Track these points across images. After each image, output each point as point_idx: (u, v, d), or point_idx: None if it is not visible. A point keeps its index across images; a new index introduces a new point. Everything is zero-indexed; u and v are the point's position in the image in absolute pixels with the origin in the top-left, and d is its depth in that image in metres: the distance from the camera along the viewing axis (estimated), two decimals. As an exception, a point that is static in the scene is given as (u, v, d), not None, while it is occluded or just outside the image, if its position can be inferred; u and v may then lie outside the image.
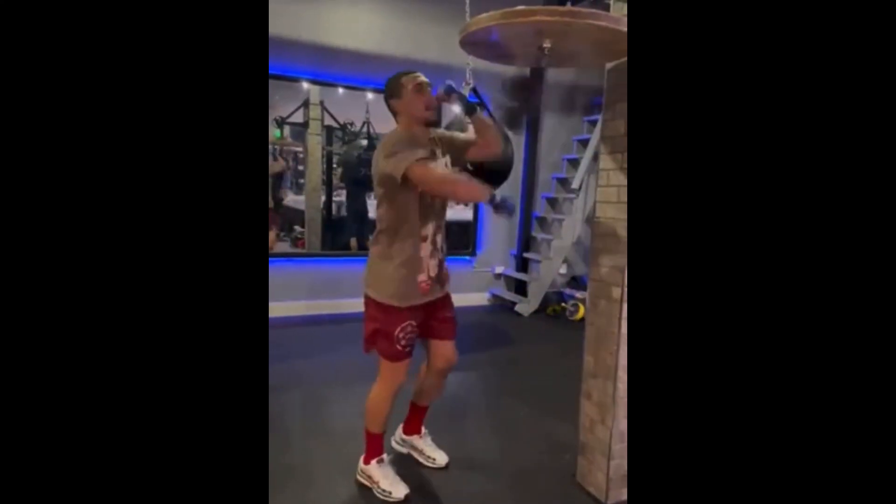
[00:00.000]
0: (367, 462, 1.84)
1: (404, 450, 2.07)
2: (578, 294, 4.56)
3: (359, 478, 1.87)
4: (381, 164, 1.58)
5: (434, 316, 1.79)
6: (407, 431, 2.07)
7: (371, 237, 1.75)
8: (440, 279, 1.77)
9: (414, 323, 1.71)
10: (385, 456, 1.85)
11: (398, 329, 1.67)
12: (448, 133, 1.83)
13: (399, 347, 1.69)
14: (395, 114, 1.73)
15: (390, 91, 1.71)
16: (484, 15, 1.33)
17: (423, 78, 1.68)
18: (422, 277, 1.70)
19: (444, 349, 1.84)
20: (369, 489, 1.82)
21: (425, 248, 1.70)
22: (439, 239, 1.75)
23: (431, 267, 1.72)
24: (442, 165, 1.72)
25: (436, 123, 1.70)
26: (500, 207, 1.53)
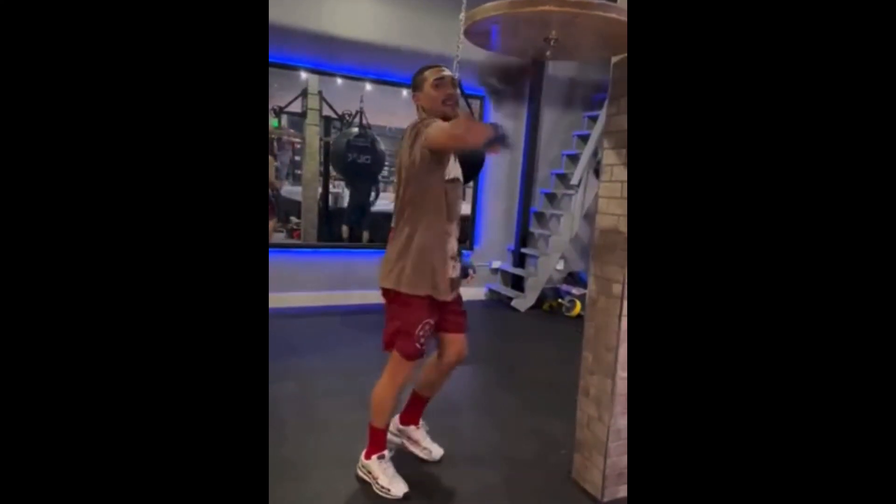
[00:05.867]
0: (368, 457, 1.82)
1: (398, 440, 2.02)
2: (575, 290, 4.55)
3: (359, 472, 1.85)
4: (410, 150, 1.59)
5: (447, 310, 1.79)
6: (405, 421, 2.03)
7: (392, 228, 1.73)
8: (455, 284, 1.78)
9: (432, 322, 1.71)
10: (387, 452, 1.83)
11: (419, 328, 1.67)
12: None
13: (418, 346, 1.69)
14: (418, 108, 1.73)
15: (413, 84, 1.73)
16: (490, 4, 1.31)
17: (445, 72, 1.67)
18: (447, 275, 1.70)
19: (457, 343, 1.86)
20: (368, 484, 1.81)
21: (451, 243, 1.71)
22: (456, 244, 1.76)
23: (452, 268, 1.73)
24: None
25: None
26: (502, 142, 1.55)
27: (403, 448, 2.02)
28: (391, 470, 1.80)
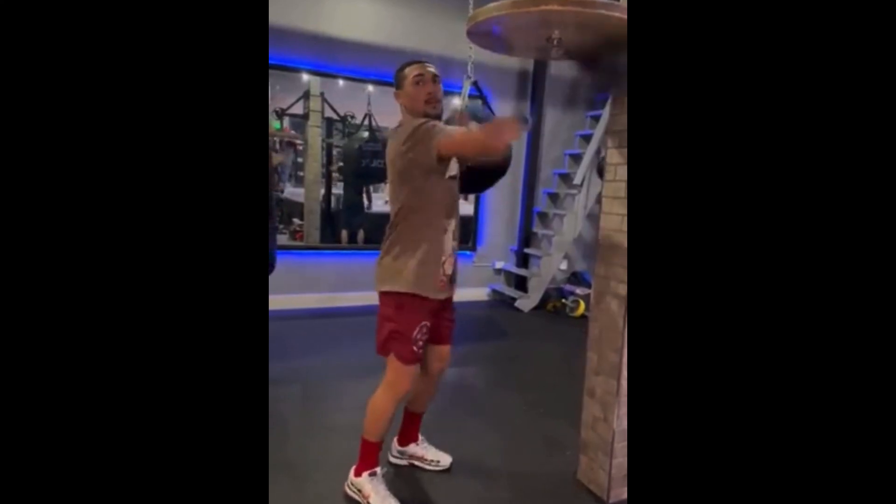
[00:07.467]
0: (358, 474, 1.73)
1: (403, 462, 1.97)
2: (579, 290, 4.54)
3: (348, 491, 1.75)
4: (408, 152, 1.50)
5: (441, 317, 1.73)
6: (403, 442, 1.97)
7: (387, 232, 1.66)
8: (452, 279, 1.72)
9: (428, 324, 1.65)
10: (378, 469, 1.74)
11: (416, 330, 1.61)
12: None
13: (415, 349, 1.62)
14: (401, 107, 1.66)
15: (395, 82, 1.65)
16: (493, 4, 1.30)
17: (425, 69, 1.60)
18: (440, 272, 1.63)
19: (444, 353, 1.81)
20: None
21: (447, 242, 1.65)
22: (455, 237, 1.69)
23: (448, 265, 1.66)
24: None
25: (437, 118, 1.61)
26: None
27: (411, 466, 1.97)
28: (383, 489, 1.70)
